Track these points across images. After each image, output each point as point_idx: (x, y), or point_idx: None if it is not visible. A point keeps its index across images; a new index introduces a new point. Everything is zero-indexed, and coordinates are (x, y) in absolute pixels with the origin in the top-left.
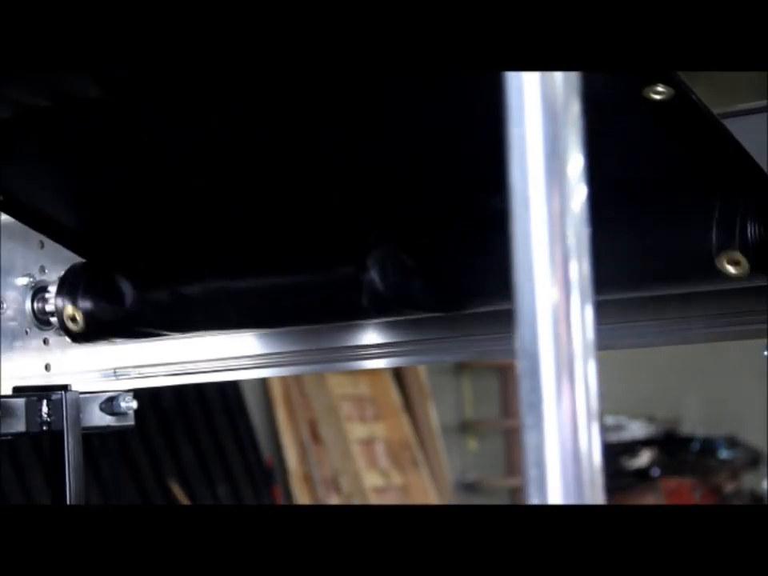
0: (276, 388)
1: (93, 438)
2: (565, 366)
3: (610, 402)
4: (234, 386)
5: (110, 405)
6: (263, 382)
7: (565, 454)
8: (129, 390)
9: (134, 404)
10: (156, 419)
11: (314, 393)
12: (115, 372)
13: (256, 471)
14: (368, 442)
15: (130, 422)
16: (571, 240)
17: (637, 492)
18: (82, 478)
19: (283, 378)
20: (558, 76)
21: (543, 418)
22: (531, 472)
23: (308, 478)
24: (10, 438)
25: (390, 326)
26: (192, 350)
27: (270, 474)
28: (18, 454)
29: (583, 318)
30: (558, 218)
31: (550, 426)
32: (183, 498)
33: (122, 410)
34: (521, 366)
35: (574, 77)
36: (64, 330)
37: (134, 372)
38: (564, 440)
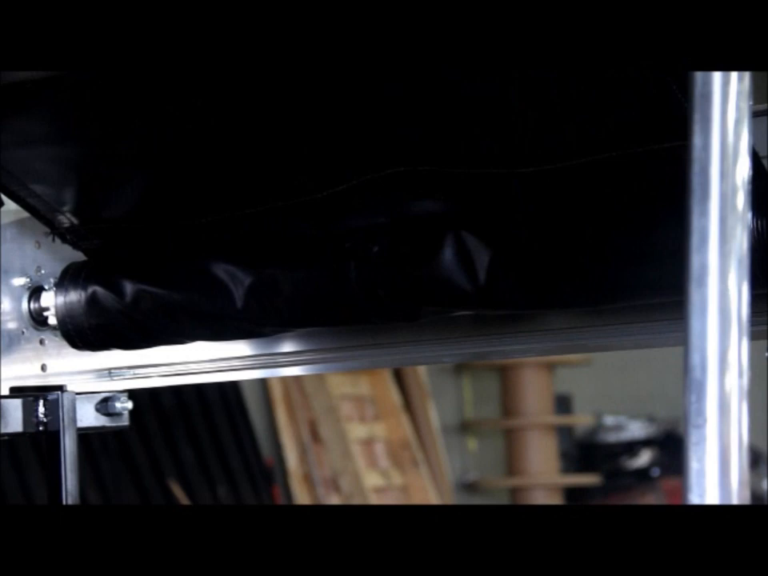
0: (276, 388)
1: (93, 438)
2: (726, 396)
3: (610, 402)
4: (234, 385)
5: (105, 405)
6: (263, 382)
7: (721, 467)
8: (124, 391)
9: (129, 404)
10: (156, 419)
11: (314, 393)
12: (110, 372)
13: (256, 471)
14: (368, 442)
15: (125, 422)
16: (734, 283)
17: (637, 492)
18: (78, 478)
19: (283, 378)
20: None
21: (706, 438)
22: (693, 480)
23: (308, 478)
24: (6, 438)
25: (390, 327)
26: (187, 351)
27: (270, 474)
28: (18, 453)
29: (740, 355)
30: (726, 258)
31: (710, 444)
32: (183, 498)
33: (117, 410)
34: (689, 394)
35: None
36: (63, 333)
37: (129, 372)
38: (721, 457)
